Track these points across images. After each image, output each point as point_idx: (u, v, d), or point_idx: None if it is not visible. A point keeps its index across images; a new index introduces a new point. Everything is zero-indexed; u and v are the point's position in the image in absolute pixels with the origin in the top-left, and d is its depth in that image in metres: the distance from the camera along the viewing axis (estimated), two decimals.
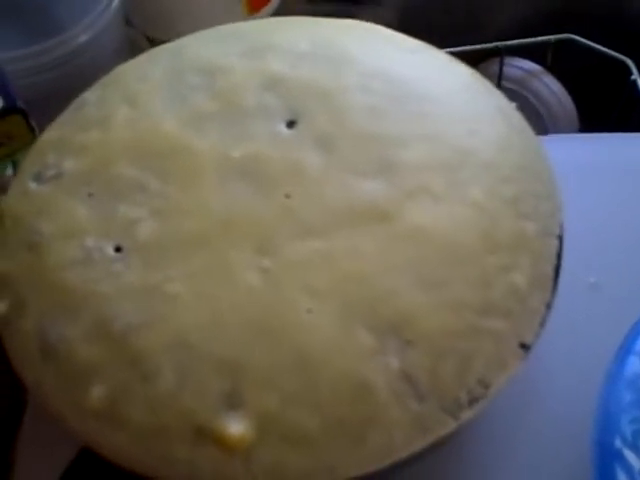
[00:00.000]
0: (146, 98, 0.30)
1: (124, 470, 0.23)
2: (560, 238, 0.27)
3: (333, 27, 0.32)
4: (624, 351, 0.28)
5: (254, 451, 0.23)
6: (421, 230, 0.26)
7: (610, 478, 0.26)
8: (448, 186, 0.27)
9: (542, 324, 0.25)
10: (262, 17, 0.51)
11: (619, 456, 0.26)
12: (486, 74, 0.66)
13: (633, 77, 0.57)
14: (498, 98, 0.30)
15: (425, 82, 0.30)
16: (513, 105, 0.31)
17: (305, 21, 0.33)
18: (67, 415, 0.24)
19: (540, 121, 0.61)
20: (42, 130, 0.33)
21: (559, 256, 0.26)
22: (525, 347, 0.24)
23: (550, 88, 0.61)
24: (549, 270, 0.26)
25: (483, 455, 0.30)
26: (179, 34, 0.35)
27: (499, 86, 0.62)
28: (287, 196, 0.26)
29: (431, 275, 0.25)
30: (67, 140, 0.30)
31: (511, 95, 0.64)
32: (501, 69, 0.62)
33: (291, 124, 0.29)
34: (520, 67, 0.63)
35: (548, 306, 0.25)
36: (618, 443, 0.26)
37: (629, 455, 0.26)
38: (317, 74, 0.30)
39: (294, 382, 0.23)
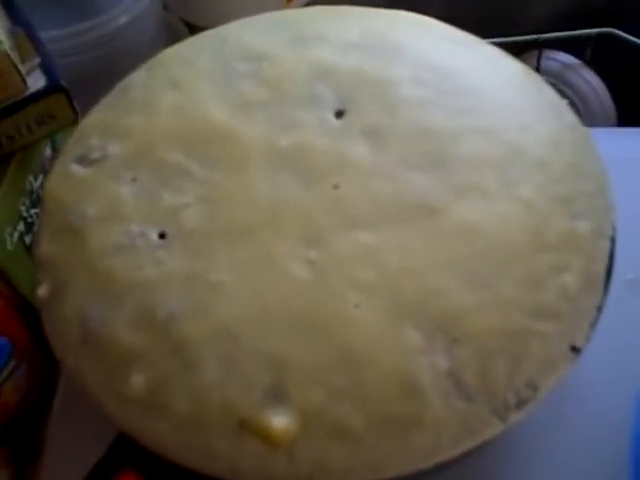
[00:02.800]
0: (192, 83, 0.30)
1: (163, 459, 0.23)
2: (612, 239, 0.26)
3: (382, 17, 0.32)
4: None
5: (297, 445, 0.22)
6: (471, 227, 0.25)
7: None
8: (499, 183, 0.26)
9: (592, 326, 0.24)
10: (300, 4, 0.51)
11: None
12: None
13: None
14: (550, 94, 0.30)
15: (477, 76, 0.29)
16: (565, 102, 0.30)
17: (352, 11, 0.33)
18: (107, 402, 0.24)
19: (577, 116, 0.60)
20: (80, 111, 0.33)
21: (611, 257, 0.26)
22: (575, 350, 0.24)
23: (589, 82, 0.60)
24: (601, 271, 0.25)
25: (522, 450, 0.29)
26: (217, 19, 0.34)
27: None
28: (335, 187, 0.26)
29: (480, 273, 0.24)
30: (112, 123, 0.29)
31: None
32: (539, 62, 0.61)
33: (340, 114, 0.28)
34: (559, 60, 0.62)
35: (599, 309, 0.25)
36: None
37: None
38: (367, 64, 0.29)
39: (340, 378, 0.23)
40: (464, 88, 0.29)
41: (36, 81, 0.32)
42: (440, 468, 0.23)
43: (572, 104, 0.61)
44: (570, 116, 0.29)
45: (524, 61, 0.67)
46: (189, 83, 0.30)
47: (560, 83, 0.61)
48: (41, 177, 0.35)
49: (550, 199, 0.26)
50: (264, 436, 0.22)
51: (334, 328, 0.23)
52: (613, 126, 0.60)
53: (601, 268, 0.25)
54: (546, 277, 0.24)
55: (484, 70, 0.30)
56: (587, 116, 0.60)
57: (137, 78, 0.31)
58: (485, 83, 0.29)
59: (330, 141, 0.27)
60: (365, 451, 0.22)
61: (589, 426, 0.30)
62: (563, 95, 0.61)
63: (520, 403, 0.23)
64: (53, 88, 0.32)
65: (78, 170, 0.28)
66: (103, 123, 0.30)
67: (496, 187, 0.26)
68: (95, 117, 0.30)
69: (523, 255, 0.25)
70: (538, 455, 0.29)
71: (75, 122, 0.33)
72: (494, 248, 0.25)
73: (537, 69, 0.61)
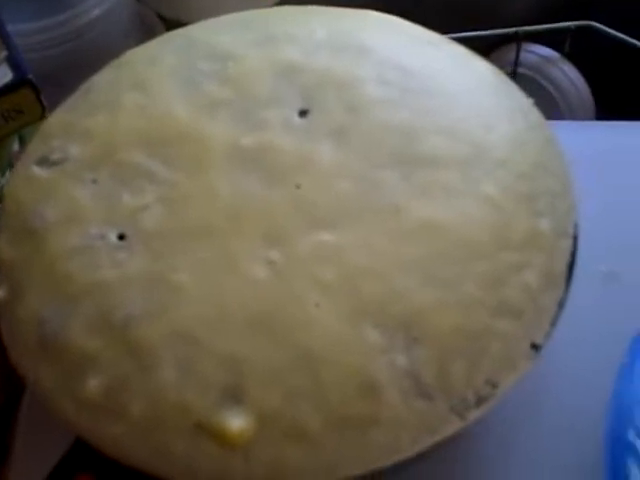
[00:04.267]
0: (156, 83, 0.30)
1: (120, 464, 0.23)
2: (575, 237, 0.26)
3: (350, 17, 0.32)
4: (638, 342, 0.28)
5: (254, 447, 0.22)
6: (434, 226, 0.25)
7: (622, 471, 0.25)
8: (462, 181, 0.26)
9: (553, 324, 0.24)
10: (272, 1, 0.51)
11: (631, 449, 0.26)
12: (502, 60, 0.65)
13: None
14: (516, 93, 0.30)
15: (443, 76, 0.29)
16: (531, 101, 0.30)
17: (320, 10, 0.32)
18: (63, 406, 0.24)
19: (556, 109, 0.60)
20: (51, 107, 0.32)
21: (573, 255, 0.26)
22: (536, 347, 0.24)
23: (567, 75, 0.60)
24: (562, 269, 0.25)
25: (495, 447, 0.29)
26: (190, 12, 0.34)
27: (515, 72, 0.61)
28: (297, 187, 0.26)
29: (442, 272, 0.24)
30: (74, 124, 0.29)
31: (527, 82, 0.63)
32: (518, 55, 0.61)
33: (304, 113, 0.28)
34: (537, 53, 0.62)
35: (560, 305, 0.25)
36: (631, 435, 0.26)
37: None
38: (333, 64, 0.29)
39: (298, 378, 0.22)
40: (429, 88, 0.28)
41: (3, 75, 0.32)
42: (406, 464, 0.23)
43: (551, 97, 0.61)
44: (536, 116, 0.29)
45: (503, 54, 0.67)
46: (153, 83, 0.30)
47: (538, 76, 0.61)
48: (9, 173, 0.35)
49: (514, 197, 0.26)
50: (220, 437, 0.22)
51: (293, 328, 0.23)
52: (591, 118, 0.60)
53: (562, 266, 0.25)
54: (508, 275, 0.24)
55: (450, 70, 0.30)
56: (565, 109, 0.60)
57: (101, 78, 0.31)
58: (451, 83, 0.29)
59: (293, 141, 0.27)
60: (323, 451, 0.22)
61: (563, 419, 0.30)
62: (542, 88, 0.61)
63: (479, 401, 0.23)
64: (20, 82, 0.32)
65: (38, 172, 0.28)
66: (65, 124, 0.29)
67: (460, 185, 0.26)
68: (57, 118, 0.30)
69: (486, 253, 0.25)
70: (512, 448, 0.29)
71: (43, 117, 0.32)
72: (458, 246, 0.25)
73: (515, 62, 0.61)
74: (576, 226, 0.26)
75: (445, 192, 0.26)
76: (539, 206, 0.26)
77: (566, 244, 0.26)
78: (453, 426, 0.22)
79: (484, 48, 0.65)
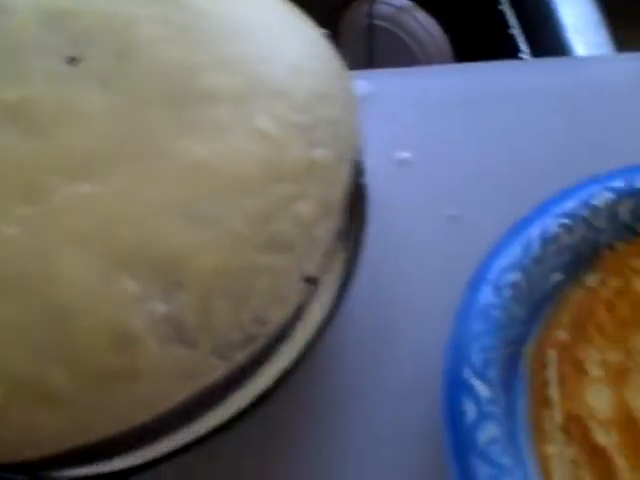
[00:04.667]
0: None
1: None
2: (355, 163, 0.25)
3: None
4: (476, 280, 0.28)
5: (3, 414, 0.21)
6: (201, 165, 0.24)
7: (457, 408, 0.25)
8: (235, 117, 0.25)
9: (329, 255, 0.23)
10: None
11: (467, 386, 0.26)
12: (359, 13, 0.65)
13: (501, 7, 0.56)
14: (303, 25, 0.29)
15: (223, 11, 0.28)
16: (321, 32, 0.29)
17: None
18: None
19: (414, 58, 0.60)
20: None
21: (355, 183, 0.25)
22: (308, 280, 0.23)
23: (421, 24, 0.60)
24: (339, 197, 0.24)
25: (339, 378, 0.29)
26: None
27: (371, 24, 0.61)
28: (59, 138, 0.24)
29: (206, 212, 0.23)
30: None
31: (383, 33, 0.62)
32: (371, 7, 0.60)
33: (73, 61, 0.26)
34: (391, 4, 0.61)
35: (337, 235, 0.24)
36: (466, 373, 0.26)
37: (477, 384, 0.26)
38: (107, 8, 0.27)
39: (45, 338, 0.21)
40: (208, 24, 0.27)
41: None
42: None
43: (407, 46, 0.60)
44: (323, 47, 0.28)
45: (359, 8, 0.67)
46: None
47: (393, 26, 0.61)
48: None
49: (289, 129, 0.25)
50: None
51: (43, 285, 0.22)
52: (449, 63, 0.60)
53: (339, 195, 0.24)
54: (279, 209, 0.23)
55: (232, 5, 0.28)
56: (422, 56, 0.60)
57: None
58: (231, 18, 0.28)
59: (58, 90, 0.25)
60: (76, 411, 0.21)
61: (406, 357, 0.30)
62: (398, 39, 0.61)
63: (248, 340, 0.22)
64: None
65: None
66: None
67: (232, 121, 0.25)
68: None
69: (255, 188, 0.23)
70: (352, 390, 0.29)
71: None
72: (223, 184, 0.23)
73: (370, 14, 0.60)
74: (358, 153, 0.26)
75: (217, 129, 0.24)
76: (317, 136, 0.25)
77: (344, 172, 0.25)
78: (217, 369, 0.22)
79: (341, 3, 0.64)
